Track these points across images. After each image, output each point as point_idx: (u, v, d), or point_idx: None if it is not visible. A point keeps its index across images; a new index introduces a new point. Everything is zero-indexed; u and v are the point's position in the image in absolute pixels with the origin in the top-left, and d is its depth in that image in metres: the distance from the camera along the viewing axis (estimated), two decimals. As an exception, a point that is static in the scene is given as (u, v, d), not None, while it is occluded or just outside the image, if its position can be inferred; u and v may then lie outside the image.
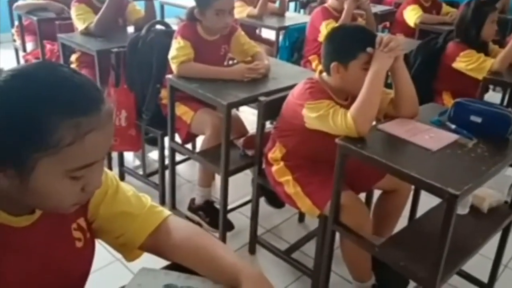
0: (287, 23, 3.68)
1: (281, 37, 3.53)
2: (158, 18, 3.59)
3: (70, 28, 3.00)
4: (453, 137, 1.62)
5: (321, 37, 3.11)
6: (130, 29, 3.08)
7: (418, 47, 2.94)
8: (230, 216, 2.29)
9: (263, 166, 2.01)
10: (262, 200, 2.31)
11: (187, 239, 0.94)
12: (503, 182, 1.79)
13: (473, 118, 1.67)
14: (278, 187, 1.90)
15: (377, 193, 2.08)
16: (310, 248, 2.14)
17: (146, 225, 0.96)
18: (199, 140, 2.41)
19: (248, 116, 3.11)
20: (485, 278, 1.97)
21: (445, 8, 4.17)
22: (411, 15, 3.95)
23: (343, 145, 1.56)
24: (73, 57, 2.98)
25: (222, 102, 1.95)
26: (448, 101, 2.78)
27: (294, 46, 3.45)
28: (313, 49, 3.25)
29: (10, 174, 0.70)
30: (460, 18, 2.84)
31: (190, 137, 2.43)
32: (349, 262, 1.83)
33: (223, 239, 2.20)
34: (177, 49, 2.19)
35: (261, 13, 3.71)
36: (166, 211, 1.00)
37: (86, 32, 2.81)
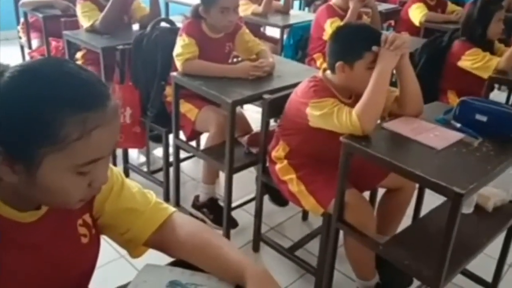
0: (292, 21, 3.67)
1: (285, 35, 3.52)
2: (163, 15, 3.60)
3: (76, 25, 3.01)
4: (458, 136, 1.62)
5: (326, 35, 3.10)
6: (135, 27, 3.09)
7: (423, 46, 2.93)
8: (234, 213, 2.29)
9: (267, 164, 2.01)
10: (266, 198, 2.31)
11: (192, 236, 0.94)
12: (508, 181, 1.78)
13: (479, 117, 1.66)
14: (282, 185, 1.90)
15: (381, 191, 2.08)
16: (314, 246, 2.14)
17: (151, 221, 0.96)
18: (204, 138, 2.41)
19: (252, 114, 3.11)
20: (489, 278, 1.96)
21: (451, 6, 4.15)
22: (416, 14, 3.93)
23: (348, 143, 1.56)
24: (79, 55, 2.99)
25: (226, 100, 1.95)
26: (453, 99, 2.77)
27: (298, 44, 3.44)
28: (318, 47, 3.25)
29: (17, 170, 0.70)
30: (466, 16, 2.83)
31: (195, 135, 2.44)
32: (353, 261, 1.83)
33: (227, 236, 2.20)
34: (182, 46, 2.19)
35: (266, 11, 3.70)
36: (171, 208, 1.01)
37: (92, 30, 2.82)
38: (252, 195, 2.33)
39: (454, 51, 2.80)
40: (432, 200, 1.81)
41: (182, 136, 2.38)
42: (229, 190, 2.12)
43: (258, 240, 2.21)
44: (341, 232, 1.74)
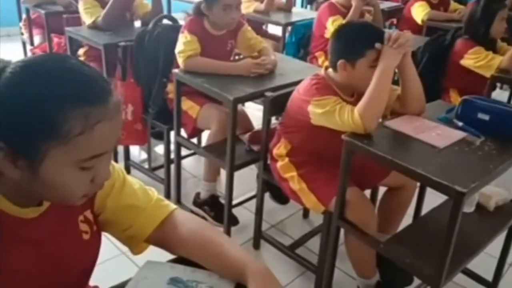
0: (294, 19, 3.67)
1: (287, 33, 3.51)
2: (165, 12, 3.60)
3: (78, 21, 3.01)
4: (460, 134, 1.62)
5: (328, 33, 3.09)
6: (137, 24, 3.09)
7: (425, 44, 2.92)
8: (235, 211, 2.29)
9: (268, 161, 2.01)
10: (267, 195, 2.31)
11: (194, 233, 0.94)
12: (510, 180, 1.77)
13: (481, 115, 1.65)
14: (283, 183, 1.90)
15: (382, 190, 2.08)
16: (315, 244, 2.14)
17: (153, 218, 0.96)
18: (205, 135, 2.41)
19: (254, 111, 3.11)
20: (489, 277, 1.96)
21: (453, 5, 4.14)
22: (419, 12, 3.92)
23: (349, 141, 1.56)
24: (81, 51, 3.00)
25: (228, 97, 1.95)
26: (455, 98, 2.76)
27: (300, 42, 3.43)
28: (320, 45, 3.24)
29: (20, 165, 0.70)
30: (469, 15, 2.82)
31: (196, 132, 2.43)
32: (354, 259, 1.83)
33: (228, 233, 2.20)
34: (184, 43, 2.19)
35: (268, 8, 3.70)
36: (173, 205, 1.00)
37: (94, 26, 2.82)
38: (253, 193, 2.33)
39: (457, 49, 2.79)
40: (433, 199, 1.81)
41: (183, 133, 2.38)
42: (230, 187, 2.12)
43: (258, 237, 2.21)
44: (342, 230, 1.74)
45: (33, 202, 0.80)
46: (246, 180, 2.49)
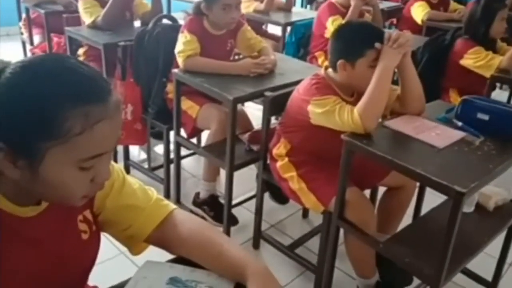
0: (294, 18, 3.67)
1: (287, 33, 3.51)
2: (165, 12, 3.60)
3: (77, 21, 3.00)
4: (460, 134, 1.62)
5: (328, 33, 3.09)
6: (137, 23, 3.09)
7: (425, 44, 2.92)
8: (234, 210, 2.29)
9: (268, 161, 2.01)
10: (266, 195, 2.31)
11: (193, 233, 0.94)
12: (510, 180, 1.77)
13: (480, 115, 1.65)
14: (282, 182, 1.90)
15: (381, 190, 2.08)
16: (314, 244, 2.14)
17: (153, 218, 0.96)
18: (204, 135, 2.41)
19: (253, 111, 3.11)
20: (489, 277, 1.96)
21: (453, 5, 4.14)
22: (419, 12, 3.92)
23: (349, 141, 1.56)
24: (80, 51, 2.99)
25: (228, 97, 1.95)
26: (455, 98, 2.76)
27: (300, 41, 3.43)
28: (320, 45, 3.24)
29: (20, 165, 0.70)
30: (469, 15, 2.82)
31: (196, 132, 2.43)
32: (353, 259, 1.83)
33: (227, 233, 2.20)
34: (183, 43, 2.19)
35: (268, 8, 3.70)
36: (172, 205, 1.00)
37: (93, 26, 2.82)
38: (253, 193, 2.33)
39: (457, 49, 2.80)
40: (433, 199, 1.81)
41: (183, 133, 2.38)
42: (229, 187, 2.12)
43: (258, 237, 2.21)
44: (342, 230, 1.74)
45: (32, 201, 0.80)
46: (246, 180, 2.49)
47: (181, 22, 2.44)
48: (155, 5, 3.00)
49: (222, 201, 2.30)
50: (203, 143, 2.46)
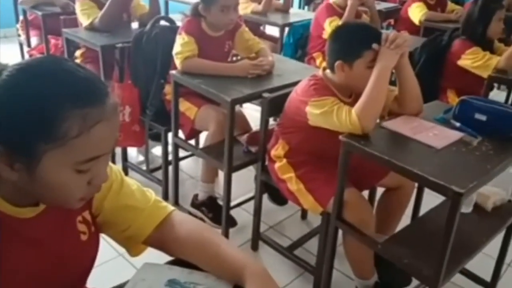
0: (292, 19, 3.67)
1: (285, 34, 3.52)
2: (163, 13, 3.59)
3: (75, 23, 3.00)
4: (457, 135, 1.62)
5: (325, 34, 3.10)
6: (135, 25, 3.08)
7: (423, 45, 2.93)
8: (233, 212, 2.29)
9: (266, 162, 2.01)
10: (265, 196, 2.31)
11: (191, 234, 0.94)
12: (508, 180, 1.78)
13: (478, 116, 1.66)
14: (281, 184, 1.90)
15: (380, 190, 2.08)
16: (313, 245, 2.14)
17: (151, 219, 0.96)
18: (203, 136, 2.41)
19: (252, 112, 3.11)
20: (488, 277, 1.96)
21: (450, 5, 4.15)
22: (416, 12, 3.93)
23: (347, 142, 1.56)
24: (78, 53, 2.99)
25: (226, 98, 1.95)
26: (453, 99, 2.77)
27: (298, 43, 3.43)
28: (317, 46, 3.24)
29: (17, 167, 0.70)
30: (467, 15, 2.83)
31: (194, 133, 2.43)
32: (352, 259, 1.83)
33: (226, 235, 2.20)
34: (181, 44, 2.19)
35: (266, 9, 3.70)
36: (171, 206, 1.00)
37: (91, 27, 2.81)
38: (251, 194, 2.33)
39: (454, 50, 2.80)
40: (431, 200, 1.81)
41: (181, 134, 2.38)
42: (228, 188, 2.12)
43: (257, 239, 2.21)
44: (340, 231, 1.74)
45: (31, 202, 0.80)
46: (244, 181, 2.49)
47: (179, 23, 2.44)
48: (152, 6, 3.00)
49: (220, 202, 2.30)
50: (201, 145, 2.46)
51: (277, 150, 1.91)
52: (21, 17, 3.98)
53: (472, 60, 2.70)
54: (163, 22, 2.62)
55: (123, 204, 0.94)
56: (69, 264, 0.87)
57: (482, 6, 2.73)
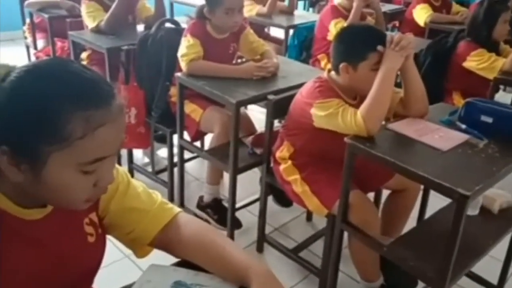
0: (296, 21, 3.67)
1: (290, 36, 3.52)
2: (168, 16, 3.61)
3: (81, 25, 3.02)
4: (463, 137, 1.61)
5: (330, 36, 3.09)
6: (140, 27, 3.10)
7: (428, 46, 2.92)
8: (238, 214, 2.29)
9: (271, 164, 2.01)
10: (270, 198, 2.31)
11: (197, 236, 0.94)
12: (514, 183, 1.77)
13: (484, 118, 1.65)
14: (286, 185, 1.90)
15: (385, 192, 2.07)
16: (318, 247, 2.13)
17: (157, 221, 0.96)
18: (208, 138, 2.42)
19: (256, 114, 3.11)
20: (494, 280, 1.95)
21: (455, 7, 4.14)
22: (421, 14, 3.92)
23: (352, 144, 1.55)
24: (84, 55, 3.00)
25: (231, 100, 1.95)
26: (458, 100, 2.76)
27: (303, 45, 3.44)
28: (322, 47, 3.24)
29: (23, 169, 0.71)
30: (472, 17, 2.82)
31: (199, 135, 2.44)
32: (357, 262, 1.82)
33: (231, 237, 2.20)
34: (186, 47, 2.20)
35: (270, 11, 3.70)
36: (177, 208, 1.01)
37: (97, 30, 2.82)
38: (256, 196, 2.33)
39: (460, 51, 2.79)
40: (437, 202, 1.80)
41: (186, 136, 2.39)
42: (233, 190, 2.12)
43: (262, 240, 2.20)
44: (346, 233, 1.74)
45: (38, 204, 0.80)
46: (249, 183, 2.49)
47: (184, 26, 2.45)
48: (158, 9, 3.01)
49: (225, 204, 2.30)
50: (206, 147, 2.46)
51: (282, 152, 1.91)
52: (27, 20, 4.01)
53: (477, 62, 2.69)
54: (168, 25, 2.63)
55: (129, 206, 0.95)
56: (75, 265, 0.87)
57: (488, 8, 2.72)
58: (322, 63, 3.21)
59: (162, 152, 2.93)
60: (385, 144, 1.58)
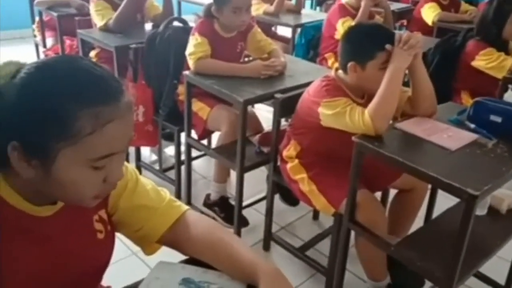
0: (303, 20, 3.66)
1: (297, 35, 3.51)
2: (176, 14, 3.62)
3: (90, 24, 3.04)
4: (472, 136, 1.60)
5: (338, 35, 3.09)
6: (148, 26, 3.11)
7: (436, 45, 2.90)
8: (245, 212, 2.29)
9: (278, 163, 2.01)
10: (277, 197, 2.31)
11: (205, 233, 0.94)
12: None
13: (493, 117, 1.64)
14: (293, 184, 1.90)
15: (392, 192, 2.07)
16: (325, 246, 2.13)
17: (165, 218, 0.97)
18: (215, 136, 2.42)
19: (263, 113, 3.11)
20: (502, 280, 1.94)
21: (464, 6, 4.10)
22: (429, 13, 3.89)
23: (360, 143, 1.55)
24: (92, 53, 3.02)
25: (238, 99, 1.96)
26: (467, 100, 2.74)
27: (310, 43, 3.43)
28: (329, 46, 3.23)
29: (34, 164, 0.72)
30: (481, 16, 2.80)
31: (206, 133, 2.45)
32: (364, 261, 1.82)
33: (238, 235, 2.20)
34: (194, 45, 2.20)
35: (278, 10, 3.70)
36: (185, 206, 1.01)
37: (105, 28, 2.84)
38: (263, 194, 2.33)
39: (468, 50, 2.77)
40: (445, 202, 1.79)
41: (194, 134, 2.39)
42: (240, 188, 2.12)
43: (268, 239, 2.21)
44: (353, 233, 1.74)
45: (48, 201, 0.81)
46: (256, 181, 2.50)
47: (192, 24, 2.46)
48: (166, 7, 3.02)
49: (232, 202, 2.31)
50: (213, 145, 2.47)
51: (289, 150, 1.91)
52: (37, 18, 4.04)
53: (486, 61, 2.67)
54: (176, 23, 2.64)
55: (138, 203, 0.95)
56: (84, 262, 0.88)
57: (497, 7, 2.70)
58: (329, 62, 3.21)
59: (170, 150, 2.94)
60: (394, 143, 1.58)
